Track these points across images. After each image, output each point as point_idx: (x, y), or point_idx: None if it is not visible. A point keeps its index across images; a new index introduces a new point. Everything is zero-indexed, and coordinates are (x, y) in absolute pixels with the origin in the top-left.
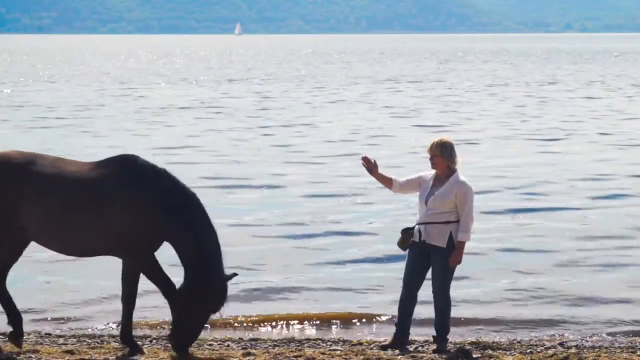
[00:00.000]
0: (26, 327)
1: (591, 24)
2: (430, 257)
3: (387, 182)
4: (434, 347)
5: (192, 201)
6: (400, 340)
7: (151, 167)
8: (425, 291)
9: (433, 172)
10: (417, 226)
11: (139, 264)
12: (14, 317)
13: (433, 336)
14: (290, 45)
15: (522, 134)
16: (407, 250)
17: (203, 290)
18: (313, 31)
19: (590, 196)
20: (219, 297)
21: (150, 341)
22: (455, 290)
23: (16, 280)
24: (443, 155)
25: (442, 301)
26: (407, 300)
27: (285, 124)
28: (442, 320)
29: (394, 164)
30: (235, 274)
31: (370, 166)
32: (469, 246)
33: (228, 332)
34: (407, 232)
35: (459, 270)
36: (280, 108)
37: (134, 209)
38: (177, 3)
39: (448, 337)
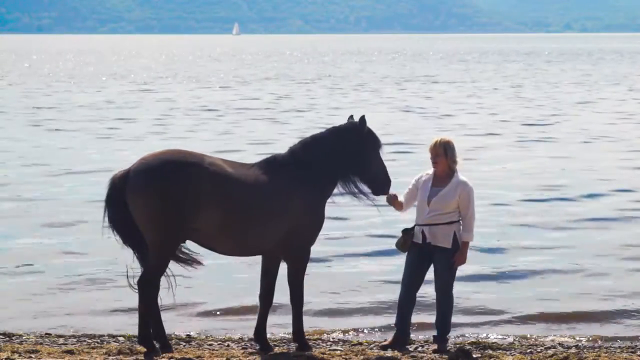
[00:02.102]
0: (26, 327)
1: (591, 24)
2: (434, 257)
3: (398, 205)
4: (434, 347)
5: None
6: (401, 340)
7: (309, 163)
8: (425, 291)
9: (430, 172)
10: (417, 227)
11: (298, 262)
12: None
13: (433, 336)
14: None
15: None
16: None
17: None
18: (313, 31)
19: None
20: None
21: None
22: (455, 290)
23: (16, 280)
24: (446, 155)
25: (445, 301)
26: (406, 301)
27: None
28: (444, 321)
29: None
30: None
31: (391, 198)
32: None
33: (228, 332)
34: (407, 233)
35: (459, 271)
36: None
37: (308, 208)
38: (177, 3)
39: (448, 337)
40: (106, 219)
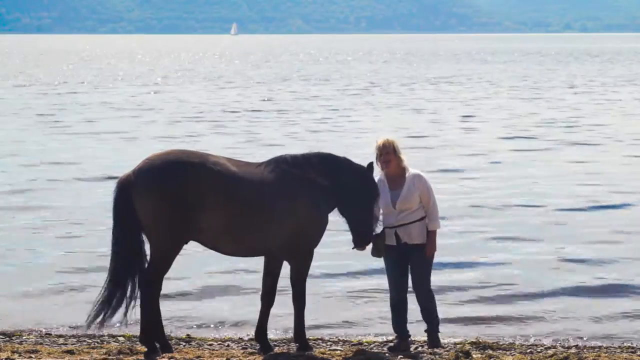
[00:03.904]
0: (26, 327)
1: (591, 24)
2: (410, 256)
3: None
4: (427, 341)
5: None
6: (402, 345)
7: (319, 164)
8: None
9: (379, 176)
10: (388, 230)
11: (301, 262)
12: (156, 327)
13: (425, 330)
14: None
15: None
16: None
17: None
18: (313, 31)
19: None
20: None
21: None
22: (456, 290)
23: (16, 280)
24: (396, 153)
25: (426, 297)
26: (399, 304)
27: None
28: (430, 316)
29: None
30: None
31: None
32: (472, 245)
33: (228, 332)
34: (379, 238)
35: (460, 270)
36: None
37: (312, 209)
38: (177, 3)
39: (440, 330)
40: (114, 229)
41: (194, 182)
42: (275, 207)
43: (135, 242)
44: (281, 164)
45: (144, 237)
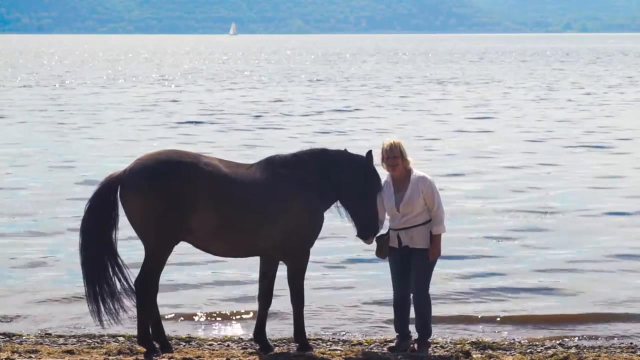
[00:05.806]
0: (26, 327)
1: (591, 24)
2: (411, 259)
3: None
4: (414, 348)
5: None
6: (403, 344)
7: (315, 163)
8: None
9: (385, 177)
10: (392, 232)
11: (297, 263)
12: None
13: (415, 339)
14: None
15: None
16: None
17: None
18: (313, 31)
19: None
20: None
21: None
22: (456, 290)
23: (16, 280)
24: (402, 156)
25: (423, 302)
26: (401, 304)
27: None
28: (424, 323)
29: None
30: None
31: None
32: (472, 244)
33: (228, 332)
34: (382, 239)
35: (460, 270)
36: None
37: (307, 208)
38: (177, 3)
39: (430, 340)
40: (86, 215)
41: (186, 182)
42: (266, 207)
43: (106, 235)
44: (272, 164)
45: (116, 236)
